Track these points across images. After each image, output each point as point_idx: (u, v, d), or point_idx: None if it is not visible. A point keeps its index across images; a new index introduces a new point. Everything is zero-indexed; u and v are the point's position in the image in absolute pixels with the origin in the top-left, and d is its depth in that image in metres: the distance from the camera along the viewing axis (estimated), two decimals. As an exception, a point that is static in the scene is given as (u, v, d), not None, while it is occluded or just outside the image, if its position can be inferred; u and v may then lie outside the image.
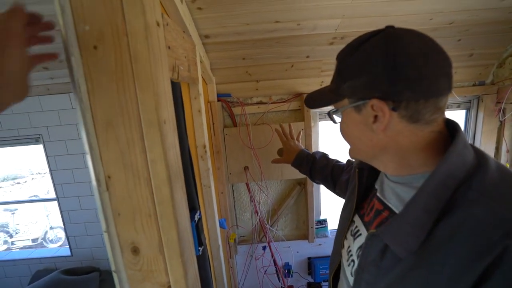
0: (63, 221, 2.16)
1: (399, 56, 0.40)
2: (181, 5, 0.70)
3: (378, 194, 0.56)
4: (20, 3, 0.32)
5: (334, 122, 0.56)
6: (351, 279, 0.56)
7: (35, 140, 2.04)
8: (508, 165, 1.47)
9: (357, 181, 0.61)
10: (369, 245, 0.50)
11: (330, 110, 0.54)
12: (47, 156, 2.04)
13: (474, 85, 1.43)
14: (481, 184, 0.37)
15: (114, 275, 0.46)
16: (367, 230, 0.55)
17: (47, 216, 4.28)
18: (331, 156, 1.03)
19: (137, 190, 0.42)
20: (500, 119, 1.41)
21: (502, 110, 1.36)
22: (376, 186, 0.58)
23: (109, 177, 0.42)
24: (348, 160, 0.92)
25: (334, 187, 0.93)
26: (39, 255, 2.28)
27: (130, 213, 0.43)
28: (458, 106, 1.50)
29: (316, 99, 0.58)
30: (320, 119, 1.51)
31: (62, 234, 3.66)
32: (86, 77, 0.37)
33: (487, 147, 1.47)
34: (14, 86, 0.32)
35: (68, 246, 2.21)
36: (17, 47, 0.32)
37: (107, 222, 0.43)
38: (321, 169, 0.97)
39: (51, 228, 3.83)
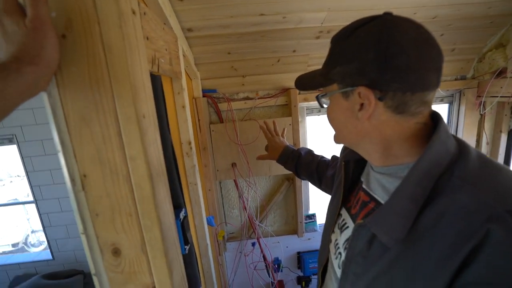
0: (42, 224, 2.08)
1: (392, 45, 0.39)
2: (161, -5, 0.67)
3: (364, 186, 0.56)
4: None
5: (322, 106, 0.55)
6: (338, 272, 0.56)
7: (9, 141, 1.94)
8: (487, 157, 1.52)
9: (343, 174, 0.61)
10: (356, 236, 0.50)
11: (319, 94, 0.53)
12: (22, 157, 1.95)
13: (456, 79, 1.47)
14: (464, 171, 0.39)
15: (95, 279, 0.44)
16: (354, 222, 0.55)
17: (27, 219, 4.11)
18: (317, 152, 1.03)
19: (116, 189, 0.40)
20: (481, 112, 1.45)
21: (483, 103, 1.41)
22: (362, 179, 0.58)
23: (84, 175, 0.40)
24: (333, 156, 0.93)
25: (320, 183, 0.93)
26: (18, 260, 2.19)
27: (109, 212, 0.41)
28: (441, 100, 1.54)
29: (306, 82, 0.57)
30: (308, 114, 1.51)
31: (44, 238, 3.53)
32: (55, 68, 0.35)
33: (469, 140, 1.51)
34: (52, 73, 0.33)
35: (49, 249, 2.13)
36: (54, 34, 0.32)
37: (84, 224, 0.41)
38: (307, 165, 0.96)
39: (32, 231, 3.68)
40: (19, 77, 0.28)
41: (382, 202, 0.49)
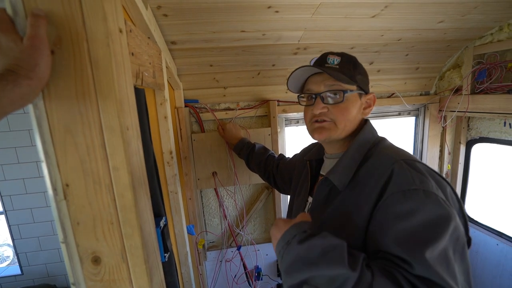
0: (12, 236, 1.96)
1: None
2: (146, 11, 0.70)
3: (321, 172, 0.79)
4: (39, 8, 0.34)
5: (337, 100, 0.68)
6: None
7: (-22, 149, 1.83)
8: (449, 166, 1.65)
9: (309, 169, 0.82)
10: (319, 189, 0.70)
11: (344, 90, 0.66)
12: (-8, 166, 1.85)
13: (421, 94, 1.60)
14: (382, 146, 0.66)
15: (73, 288, 0.44)
16: None
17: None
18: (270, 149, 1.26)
19: (98, 198, 0.41)
20: (442, 125, 1.59)
21: (444, 117, 1.54)
22: (321, 172, 0.79)
23: (67, 185, 0.40)
24: (280, 154, 1.21)
25: (264, 172, 1.16)
26: (-19, 276, 2.03)
27: (90, 221, 0.42)
28: (409, 113, 1.66)
29: (331, 72, 0.65)
30: (286, 125, 1.57)
31: (10, 253, 3.28)
32: (42, 82, 0.36)
33: (433, 150, 1.64)
34: (42, 88, 0.36)
35: (17, 264, 2.00)
36: (48, 53, 0.35)
37: (64, 232, 0.42)
38: (258, 156, 1.18)
39: (-5, 246, 3.40)
40: (15, 88, 0.30)
41: None
